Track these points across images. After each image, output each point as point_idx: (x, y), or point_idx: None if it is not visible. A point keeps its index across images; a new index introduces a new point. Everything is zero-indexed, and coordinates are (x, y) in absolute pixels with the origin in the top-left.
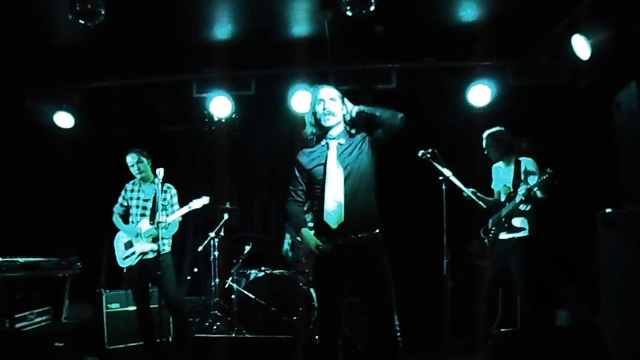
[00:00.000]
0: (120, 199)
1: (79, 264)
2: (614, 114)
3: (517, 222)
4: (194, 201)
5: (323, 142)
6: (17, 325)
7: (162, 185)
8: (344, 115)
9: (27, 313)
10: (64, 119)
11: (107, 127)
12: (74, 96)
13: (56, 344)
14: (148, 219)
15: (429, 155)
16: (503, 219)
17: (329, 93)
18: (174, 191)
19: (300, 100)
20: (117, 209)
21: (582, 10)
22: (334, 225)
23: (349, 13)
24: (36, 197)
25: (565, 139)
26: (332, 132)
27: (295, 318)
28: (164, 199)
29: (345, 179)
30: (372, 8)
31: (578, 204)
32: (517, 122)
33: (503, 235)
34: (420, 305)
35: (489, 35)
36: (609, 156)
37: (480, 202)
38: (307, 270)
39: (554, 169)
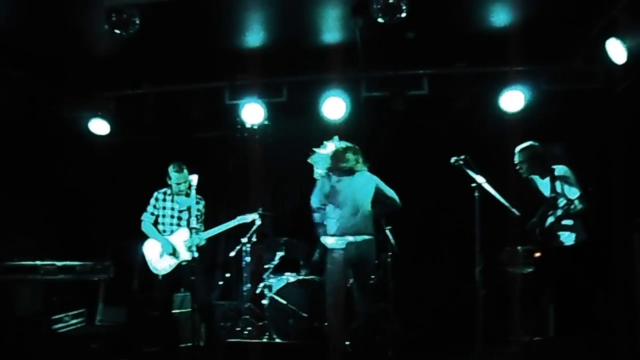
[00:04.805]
0: (150, 208)
1: (113, 268)
2: None
3: (561, 234)
4: (246, 215)
5: None
6: (53, 327)
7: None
8: None
9: (63, 315)
10: (99, 126)
11: (142, 134)
12: (110, 103)
13: (92, 345)
14: (186, 228)
15: (462, 162)
16: (547, 230)
17: None
18: (203, 202)
19: (331, 106)
20: (147, 218)
21: (618, 12)
22: None
23: (380, 20)
24: (73, 202)
25: (601, 145)
26: None
27: (326, 324)
28: (198, 210)
29: None
30: (403, 14)
31: (615, 211)
32: (551, 127)
33: (549, 246)
34: (452, 312)
35: (521, 40)
36: None
37: (514, 210)
38: None
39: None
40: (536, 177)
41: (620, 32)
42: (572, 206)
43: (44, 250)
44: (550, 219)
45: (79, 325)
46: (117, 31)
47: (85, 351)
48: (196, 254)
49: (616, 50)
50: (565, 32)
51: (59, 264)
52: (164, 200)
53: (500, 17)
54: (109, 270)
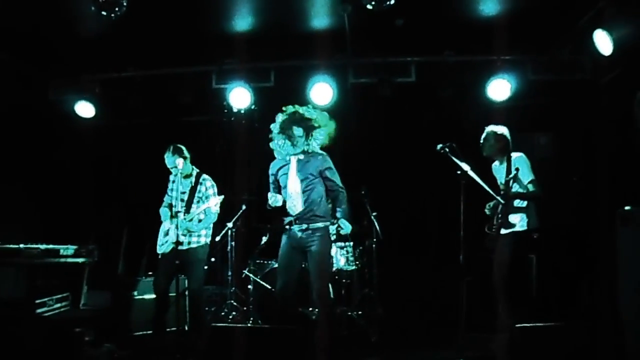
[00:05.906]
0: (167, 191)
1: (97, 251)
2: (636, 109)
3: (513, 217)
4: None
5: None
6: (37, 311)
7: (198, 177)
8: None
9: (47, 299)
10: (85, 109)
11: (128, 117)
12: (95, 86)
13: (77, 329)
14: (184, 211)
15: (447, 149)
16: (500, 215)
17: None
18: (209, 183)
19: (319, 92)
20: (164, 202)
21: (605, 4)
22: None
23: (369, 6)
24: (58, 185)
25: (586, 135)
26: None
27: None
28: (199, 191)
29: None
30: (392, 1)
31: (599, 200)
32: (537, 117)
33: (502, 231)
34: (437, 298)
35: (509, 30)
36: (631, 152)
37: (498, 197)
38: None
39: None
40: (496, 163)
41: (607, 24)
42: (509, 191)
43: (28, 233)
44: (502, 200)
45: (63, 309)
46: (104, 13)
47: (69, 335)
48: (188, 238)
49: (603, 42)
50: (553, 22)
51: (42, 247)
52: (173, 182)
53: (489, 6)
54: (93, 254)
